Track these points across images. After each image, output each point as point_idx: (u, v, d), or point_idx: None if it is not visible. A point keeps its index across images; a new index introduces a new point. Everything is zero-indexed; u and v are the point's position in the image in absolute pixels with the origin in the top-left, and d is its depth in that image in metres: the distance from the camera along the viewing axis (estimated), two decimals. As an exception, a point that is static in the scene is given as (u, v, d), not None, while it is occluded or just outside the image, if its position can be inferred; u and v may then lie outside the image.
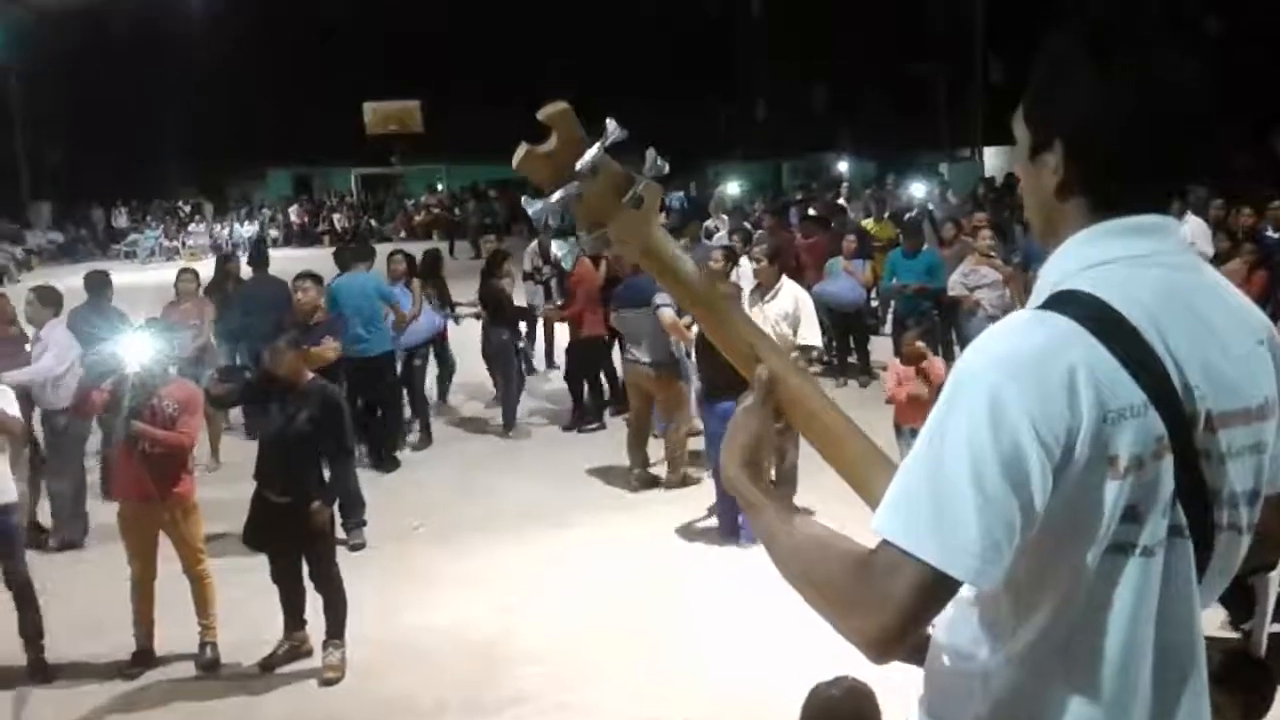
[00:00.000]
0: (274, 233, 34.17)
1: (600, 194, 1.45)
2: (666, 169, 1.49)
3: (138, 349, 5.65)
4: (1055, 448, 1.19)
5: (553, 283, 11.54)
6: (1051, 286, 1.32)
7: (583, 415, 9.97)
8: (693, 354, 7.78)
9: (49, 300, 7.76)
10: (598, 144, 1.44)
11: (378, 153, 38.89)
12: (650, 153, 1.49)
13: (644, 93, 32.09)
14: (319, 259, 20.18)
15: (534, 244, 12.00)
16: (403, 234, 32.72)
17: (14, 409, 5.79)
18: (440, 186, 38.82)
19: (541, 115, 1.44)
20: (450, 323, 10.78)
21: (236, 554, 6.05)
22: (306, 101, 34.31)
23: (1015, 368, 1.21)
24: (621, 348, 8.70)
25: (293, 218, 35.72)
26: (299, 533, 5.45)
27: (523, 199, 1.50)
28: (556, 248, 10.33)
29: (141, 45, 32.90)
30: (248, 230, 32.81)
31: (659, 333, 7.90)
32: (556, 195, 1.44)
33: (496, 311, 9.87)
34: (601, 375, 10.20)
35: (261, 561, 5.66)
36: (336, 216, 35.42)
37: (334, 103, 35.19)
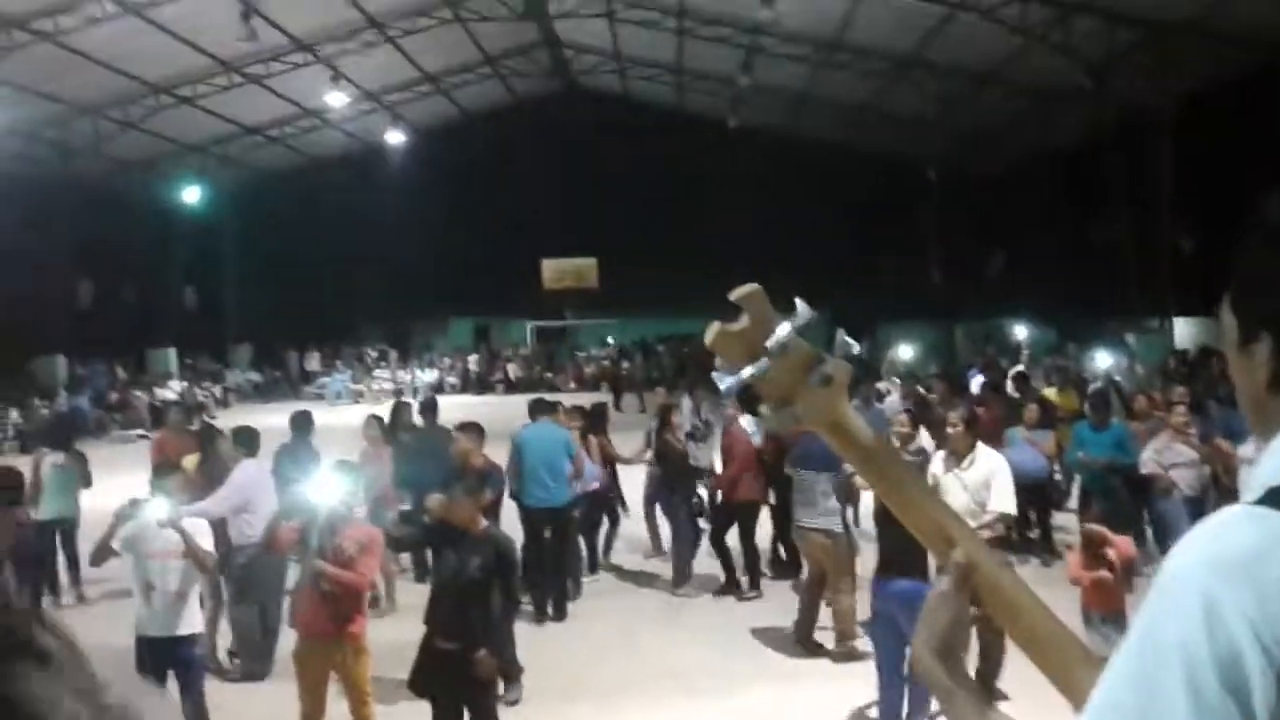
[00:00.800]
0: (452, 379, 35.68)
1: (789, 371, 1.48)
2: (856, 349, 1.52)
3: (326, 490, 5.93)
4: (1277, 652, 1.12)
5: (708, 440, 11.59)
6: (1266, 481, 1.26)
7: (734, 581, 9.73)
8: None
9: (240, 440, 8.22)
10: (788, 324, 1.48)
11: (553, 306, 40.36)
12: (840, 334, 1.52)
13: (815, 252, 32.46)
14: (493, 406, 20.83)
15: (687, 401, 12.05)
16: (572, 385, 33.60)
17: (209, 543, 6.12)
18: (610, 340, 39.88)
19: (734, 296, 1.50)
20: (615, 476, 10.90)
21: (400, 699, 6.11)
22: (489, 256, 36.10)
23: (1229, 568, 1.14)
24: (791, 512, 8.57)
25: (470, 366, 37.26)
26: (464, 680, 5.49)
27: (713, 373, 1.54)
28: (749, 423, 10.48)
29: (338, 203, 35.61)
30: (428, 376, 34.39)
31: (837, 496, 7.81)
32: (747, 372, 1.48)
33: (671, 468, 9.96)
34: (777, 541, 10.06)
35: (424, 708, 5.71)
36: (511, 366, 36.77)
37: (514, 258, 36.91)
